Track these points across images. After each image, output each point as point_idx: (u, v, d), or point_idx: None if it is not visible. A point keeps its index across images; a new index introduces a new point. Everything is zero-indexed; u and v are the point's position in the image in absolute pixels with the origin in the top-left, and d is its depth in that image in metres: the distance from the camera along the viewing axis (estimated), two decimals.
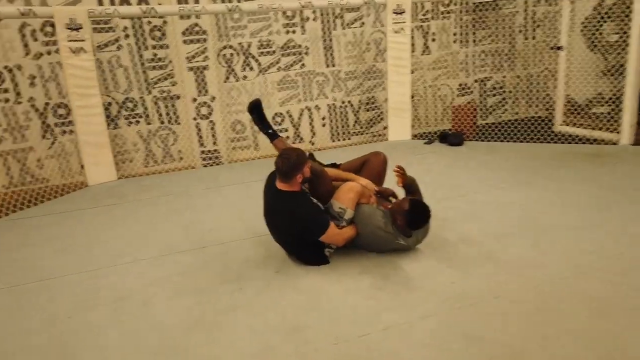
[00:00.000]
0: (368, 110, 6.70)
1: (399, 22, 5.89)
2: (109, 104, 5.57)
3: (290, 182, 2.83)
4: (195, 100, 5.68)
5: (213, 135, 5.85)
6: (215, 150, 5.88)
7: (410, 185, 3.15)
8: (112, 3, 5.32)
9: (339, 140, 6.66)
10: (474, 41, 6.91)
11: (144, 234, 3.64)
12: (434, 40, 6.75)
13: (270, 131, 3.43)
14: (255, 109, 3.47)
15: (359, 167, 3.42)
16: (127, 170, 5.74)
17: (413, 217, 2.85)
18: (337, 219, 2.91)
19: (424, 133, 6.63)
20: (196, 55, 5.58)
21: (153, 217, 4.01)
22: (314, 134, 6.52)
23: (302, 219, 2.83)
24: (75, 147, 5.38)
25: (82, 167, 5.05)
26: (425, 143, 6.00)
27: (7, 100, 5.22)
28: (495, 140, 5.98)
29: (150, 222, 3.91)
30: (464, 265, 2.84)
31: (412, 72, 6.26)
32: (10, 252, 3.51)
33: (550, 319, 2.26)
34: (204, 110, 5.75)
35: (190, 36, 5.51)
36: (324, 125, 6.55)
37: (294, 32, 6.12)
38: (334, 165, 3.52)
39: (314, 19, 6.16)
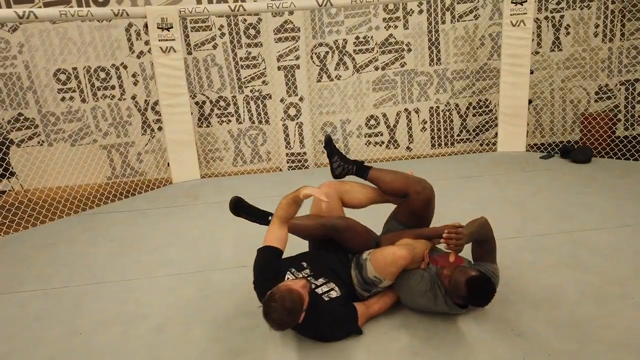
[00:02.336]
0: (477, 115, 5.88)
1: (518, 14, 4.99)
2: (203, 102, 5.64)
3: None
4: (283, 100, 5.48)
5: (300, 137, 5.59)
6: (301, 153, 5.63)
7: (477, 239, 2.43)
8: (210, 1, 5.34)
9: (440, 147, 5.96)
10: (623, 35, 5.64)
11: (194, 244, 3.50)
12: (568, 33, 5.66)
13: (270, 218, 2.58)
14: (240, 206, 2.71)
15: (394, 191, 2.69)
16: (217, 169, 5.78)
17: (471, 300, 2.21)
18: (368, 284, 2.32)
19: (543, 145, 5.61)
20: (287, 54, 5.36)
21: (213, 224, 3.86)
22: (411, 139, 5.92)
23: (328, 330, 2.21)
24: None
25: (168, 164, 5.16)
26: (541, 157, 5.04)
27: (112, 97, 5.55)
28: (637, 159, 4.78)
29: (208, 229, 3.76)
30: (542, 335, 2.15)
31: (532, 72, 5.30)
32: (72, 248, 3.63)
33: None
34: (291, 111, 5.52)
35: (282, 34, 5.29)
36: (423, 130, 5.91)
37: (395, 27, 5.57)
38: (360, 167, 2.77)
39: (419, 12, 5.53)
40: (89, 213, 4.49)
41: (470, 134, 5.94)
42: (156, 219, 4.11)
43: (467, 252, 2.49)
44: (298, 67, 5.40)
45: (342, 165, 2.80)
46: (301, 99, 5.48)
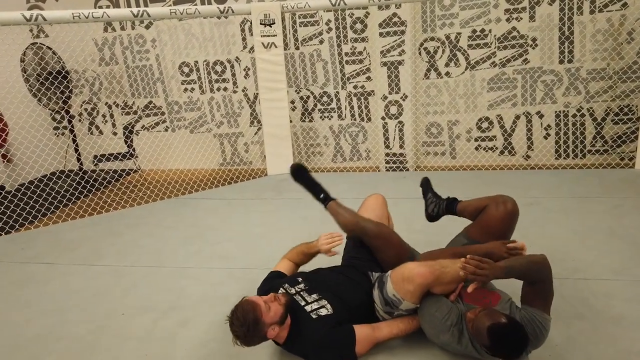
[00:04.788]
0: (618, 123, 4.92)
1: None
2: (307, 97, 5.67)
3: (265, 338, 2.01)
4: (385, 97, 5.23)
5: (401, 138, 5.30)
6: (401, 154, 5.33)
7: (521, 278, 2.01)
8: None
9: (567, 157, 5.14)
10: None
11: (254, 240, 3.54)
12: None
13: (322, 195, 2.61)
14: (300, 174, 2.72)
15: (477, 209, 2.42)
16: (317, 164, 5.80)
17: (493, 352, 1.83)
18: (388, 305, 2.08)
19: None
20: (391, 50, 5.09)
21: (280, 223, 3.86)
22: (531, 146, 5.21)
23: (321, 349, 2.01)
24: None
25: (264, 157, 5.31)
26: None
27: (226, 89, 5.89)
28: None
29: (273, 228, 3.77)
30: None
31: None
32: (155, 230, 3.94)
33: None
34: (393, 110, 5.25)
35: (387, 28, 5.04)
36: (547, 137, 5.15)
37: (519, 19, 4.91)
38: (451, 201, 2.62)
39: (549, 3, 4.79)
40: (186, 197, 4.84)
41: (607, 145, 5.01)
42: (234, 210, 4.26)
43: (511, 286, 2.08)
44: (402, 63, 5.09)
45: (435, 201, 2.73)
46: (404, 97, 5.17)
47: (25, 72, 5.41)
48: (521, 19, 4.90)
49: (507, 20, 4.94)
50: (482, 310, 1.87)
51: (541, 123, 5.12)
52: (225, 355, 2.22)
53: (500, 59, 5.05)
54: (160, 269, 3.20)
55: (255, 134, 5.94)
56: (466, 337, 1.95)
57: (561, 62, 4.91)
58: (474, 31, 5.05)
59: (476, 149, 5.37)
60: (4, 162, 5.71)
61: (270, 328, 1.93)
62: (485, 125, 5.27)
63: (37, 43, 5.48)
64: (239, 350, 2.23)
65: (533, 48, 4.95)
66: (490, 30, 5.01)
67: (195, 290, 2.88)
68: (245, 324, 1.87)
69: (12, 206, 4.57)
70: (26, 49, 5.38)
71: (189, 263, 3.25)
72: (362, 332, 2.03)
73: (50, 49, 5.52)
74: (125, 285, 3.02)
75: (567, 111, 5.03)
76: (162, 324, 2.54)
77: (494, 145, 5.31)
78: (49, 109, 5.88)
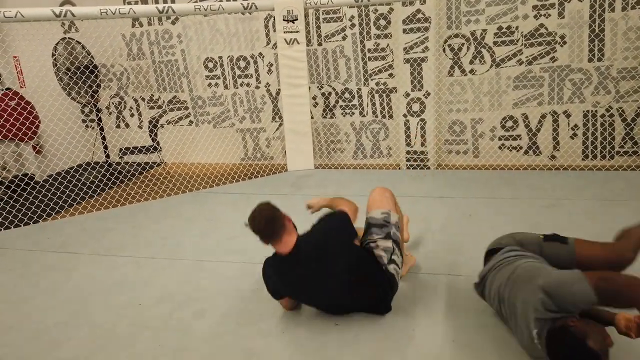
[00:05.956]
0: None
1: None
2: (329, 93, 5.67)
3: (285, 237, 2.26)
4: (408, 95, 5.18)
5: (422, 136, 5.25)
6: (422, 152, 5.28)
7: None
8: None
9: (594, 158, 5.01)
10: None
11: None
12: None
13: None
14: None
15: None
16: (338, 160, 5.80)
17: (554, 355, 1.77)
18: (385, 226, 2.39)
19: None
20: (415, 46, 5.03)
21: (297, 218, 3.87)
22: (557, 146, 5.09)
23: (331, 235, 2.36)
24: None
25: (285, 152, 5.33)
26: None
27: (249, 85, 5.94)
28: None
29: None
30: None
31: None
32: (175, 222, 4.02)
33: None
34: (415, 107, 5.20)
35: (411, 24, 4.98)
36: (573, 137, 5.02)
37: (547, 15, 4.79)
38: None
39: None
40: (207, 191, 4.91)
41: (636, 146, 4.85)
42: (252, 205, 4.27)
43: None
44: (426, 59, 5.04)
45: None
46: (427, 95, 5.12)
47: (55, 66, 5.56)
48: (549, 15, 4.79)
49: (535, 17, 4.83)
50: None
51: (568, 123, 5.00)
52: (239, 349, 2.25)
53: (527, 57, 4.94)
54: (179, 261, 3.26)
55: (276, 129, 5.97)
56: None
57: (590, 60, 4.78)
58: (500, 28, 4.95)
59: (500, 147, 5.27)
60: (34, 153, 5.89)
61: (287, 219, 2.28)
62: (509, 124, 5.17)
63: (66, 38, 5.62)
64: (253, 344, 2.26)
65: (561, 46, 4.83)
66: (517, 27, 4.90)
67: (211, 283, 2.92)
68: (267, 209, 2.26)
69: (40, 196, 4.72)
70: (57, 43, 5.53)
71: (206, 256, 3.30)
72: (349, 209, 2.44)
73: (80, 43, 5.66)
74: (144, 276, 3.08)
75: (596, 111, 4.89)
76: (177, 315, 2.59)
77: (519, 145, 5.21)
78: (78, 102, 6.03)
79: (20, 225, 4.28)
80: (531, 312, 1.83)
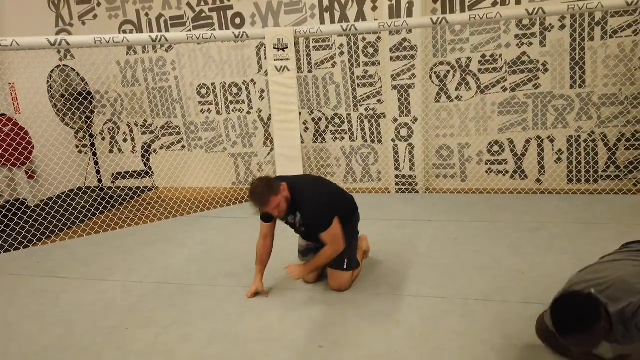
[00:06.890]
0: (630, 149, 4.89)
1: None
2: (319, 119, 5.78)
3: (273, 201, 2.76)
4: (396, 120, 5.30)
5: (411, 160, 5.34)
6: (411, 176, 5.37)
7: None
8: (332, 22, 5.45)
9: (579, 182, 5.11)
10: None
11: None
12: None
13: None
14: None
15: None
16: None
17: (556, 318, 1.82)
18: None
19: None
20: (402, 73, 5.17)
21: (284, 243, 3.92)
22: (542, 170, 5.19)
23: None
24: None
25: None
26: None
27: (241, 110, 6.04)
28: None
29: (277, 246, 3.81)
30: None
31: None
32: (165, 247, 4.05)
33: None
34: (403, 132, 5.31)
35: (398, 52, 5.13)
36: (558, 161, 5.13)
37: (529, 44, 4.96)
38: None
39: (560, 28, 4.84)
40: (198, 215, 4.95)
41: (619, 171, 4.96)
42: (241, 230, 4.34)
43: None
44: (413, 86, 5.17)
45: None
46: (414, 120, 5.23)
47: (50, 92, 5.65)
48: (532, 44, 4.95)
49: (518, 45, 4.99)
50: None
51: (552, 147, 5.11)
52: None
53: (511, 84, 5.09)
54: (166, 285, 3.28)
55: (268, 154, 6.06)
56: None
57: (572, 87, 4.93)
58: (484, 56, 5.11)
59: (487, 172, 5.37)
60: (26, 178, 5.93)
61: (282, 187, 2.76)
62: (496, 148, 5.28)
63: (61, 65, 5.73)
64: None
65: (544, 73, 4.98)
66: (500, 55, 5.06)
67: (197, 307, 2.94)
68: (262, 180, 2.77)
69: (31, 221, 4.74)
70: (52, 70, 5.64)
71: (194, 280, 3.33)
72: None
73: (74, 70, 5.77)
74: (132, 300, 3.10)
75: (579, 136, 5.02)
76: (162, 339, 2.61)
77: (505, 169, 5.31)
78: (71, 128, 6.11)
79: (10, 250, 4.29)
80: None
